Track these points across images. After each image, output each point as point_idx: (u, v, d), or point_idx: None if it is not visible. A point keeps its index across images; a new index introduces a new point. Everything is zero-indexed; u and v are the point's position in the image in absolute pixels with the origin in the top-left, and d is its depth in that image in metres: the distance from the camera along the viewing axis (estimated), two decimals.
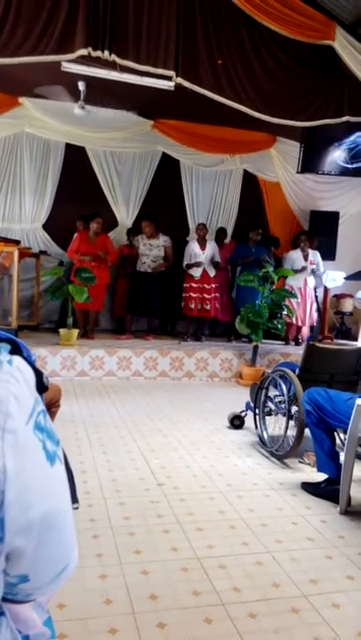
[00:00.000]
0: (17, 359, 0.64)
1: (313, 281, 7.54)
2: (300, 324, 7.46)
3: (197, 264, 7.07)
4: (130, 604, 1.96)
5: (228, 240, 8.03)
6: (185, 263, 7.15)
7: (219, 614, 1.94)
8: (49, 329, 7.32)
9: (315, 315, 7.65)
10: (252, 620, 1.92)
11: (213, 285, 7.19)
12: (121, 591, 2.04)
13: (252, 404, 4.17)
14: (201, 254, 7.09)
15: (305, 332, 7.59)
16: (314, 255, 7.48)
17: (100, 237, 6.89)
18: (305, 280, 7.38)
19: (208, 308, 7.12)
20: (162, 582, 2.12)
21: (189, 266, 7.11)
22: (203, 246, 7.13)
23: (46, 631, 0.77)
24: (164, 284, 7.12)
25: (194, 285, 7.10)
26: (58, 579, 0.68)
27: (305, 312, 7.43)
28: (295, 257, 7.37)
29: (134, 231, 7.54)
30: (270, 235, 8.20)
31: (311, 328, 7.89)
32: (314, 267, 7.46)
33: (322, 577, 2.23)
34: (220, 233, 7.88)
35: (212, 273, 7.18)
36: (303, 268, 7.29)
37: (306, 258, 7.38)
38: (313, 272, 7.47)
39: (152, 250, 6.95)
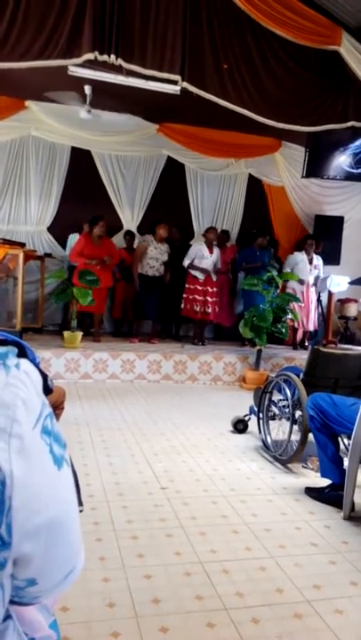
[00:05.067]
0: (24, 363, 0.64)
1: (314, 286, 7.54)
2: (301, 327, 7.45)
3: (204, 270, 7.06)
4: (133, 607, 1.96)
5: (229, 243, 8.02)
6: (187, 262, 7.12)
7: (222, 619, 1.93)
8: (53, 331, 7.34)
9: (315, 319, 7.64)
10: (255, 625, 1.91)
11: (216, 289, 7.20)
12: (124, 595, 2.03)
13: (255, 409, 4.16)
14: (208, 257, 7.09)
15: (303, 335, 7.59)
16: (318, 260, 7.48)
17: (104, 240, 6.88)
18: (307, 283, 7.37)
19: (209, 311, 7.11)
20: (165, 586, 2.11)
21: (193, 267, 7.09)
22: (210, 250, 7.14)
23: (52, 634, 0.77)
24: (168, 287, 7.14)
25: (198, 288, 7.09)
26: (65, 581, 0.68)
27: (308, 316, 7.42)
28: (299, 259, 7.36)
29: (129, 236, 7.55)
30: (275, 238, 8.21)
31: (314, 332, 7.89)
32: (318, 272, 7.45)
33: (325, 583, 2.22)
34: (223, 236, 7.87)
35: (214, 277, 7.19)
36: (302, 282, 7.27)
37: (311, 262, 7.38)
38: (316, 281, 7.45)
39: (163, 254, 6.93)
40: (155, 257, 6.89)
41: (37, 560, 0.62)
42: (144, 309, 6.93)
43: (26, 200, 7.62)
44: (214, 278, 7.18)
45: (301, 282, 7.25)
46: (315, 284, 7.49)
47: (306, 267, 7.33)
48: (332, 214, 8.30)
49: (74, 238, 7.23)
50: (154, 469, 3.44)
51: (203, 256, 7.09)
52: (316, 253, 7.55)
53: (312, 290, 7.49)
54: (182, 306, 7.19)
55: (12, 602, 0.67)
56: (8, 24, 4.85)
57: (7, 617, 0.67)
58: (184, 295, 7.19)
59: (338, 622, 1.96)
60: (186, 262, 7.15)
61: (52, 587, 0.67)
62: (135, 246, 7.32)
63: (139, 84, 5.58)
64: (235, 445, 4.08)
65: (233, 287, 7.91)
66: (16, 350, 0.65)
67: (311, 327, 7.55)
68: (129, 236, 7.63)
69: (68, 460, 0.67)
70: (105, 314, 7.36)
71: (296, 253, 7.48)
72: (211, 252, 7.12)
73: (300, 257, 7.39)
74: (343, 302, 8.12)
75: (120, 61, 5.16)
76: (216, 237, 7.25)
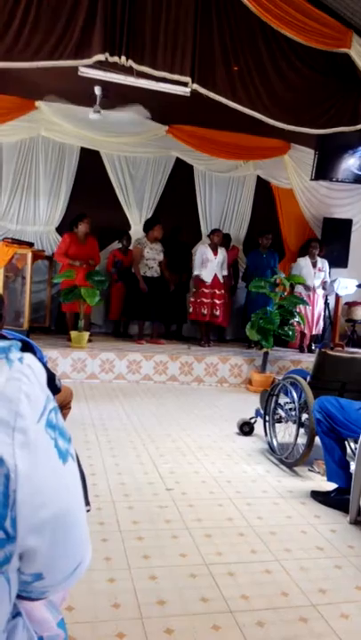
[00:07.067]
0: (28, 356, 0.64)
1: (322, 289, 7.51)
2: (306, 331, 7.42)
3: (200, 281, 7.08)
4: (138, 608, 1.96)
5: (231, 245, 7.99)
6: (197, 271, 7.12)
7: (227, 621, 1.93)
8: (60, 331, 7.34)
9: (321, 323, 7.62)
10: (260, 628, 1.91)
11: (223, 291, 7.20)
12: (129, 595, 2.04)
13: (261, 411, 4.15)
14: (213, 259, 7.09)
15: (310, 339, 7.57)
16: (322, 263, 7.46)
17: (89, 239, 6.85)
18: (313, 287, 7.35)
19: (218, 313, 7.12)
20: (170, 588, 2.11)
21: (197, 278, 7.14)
22: (215, 252, 7.14)
23: (60, 633, 0.78)
24: (165, 288, 7.16)
25: (206, 291, 7.09)
26: (72, 576, 0.68)
27: (312, 319, 7.40)
28: (303, 264, 7.36)
29: (126, 236, 7.58)
30: (282, 241, 8.20)
31: (319, 336, 7.86)
32: (323, 274, 7.43)
33: (331, 587, 2.21)
34: (224, 239, 7.79)
35: (221, 278, 7.19)
36: (308, 288, 7.24)
37: (314, 265, 7.37)
38: (323, 285, 7.43)
39: (158, 254, 6.99)
40: (152, 257, 6.93)
41: (43, 554, 0.62)
42: (144, 310, 6.93)
43: (35, 200, 7.64)
44: (222, 279, 7.18)
45: (307, 287, 7.24)
46: (323, 288, 7.46)
47: (310, 271, 7.32)
48: (341, 217, 8.27)
49: None
50: (159, 470, 3.44)
51: (207, 259, 7.09)
52: (321, 256, 7.53)
53: (319, 293, 7.47)
54: (190, 310, 7.21)
55: (20, 597, 0.67)
56: (20, 24, 4.87)
57: (17, 614, 0.68)
58: (192, 299, 7.19)
59: (343, 627, 1.95)
60: (196, 271, 7.14)
61: (59, 581, 0.68)
62: (130, 248, 7.32)
63: (149, 86, 5.59)
64: (240, 448, 4.07)
65: (233, 288, 7.91)
66: (19, 344, 0.65)
67: (315, 330, 7.52)
68: (125, 237, 7.60)
69: (73, 454, 0.67)
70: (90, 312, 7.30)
71: (300, 259, 7.49)
72: (215, 254, 7.12)
73: (305, 262, 7.38)
74: (351, 305, 8.09)
75: (130, 63, 5.16)
76: (221, 239, 7.25)
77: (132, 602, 2.00)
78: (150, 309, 6.93)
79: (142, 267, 6.95)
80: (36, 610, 0.74)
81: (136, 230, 7.83)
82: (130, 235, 7.66)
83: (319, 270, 7.38)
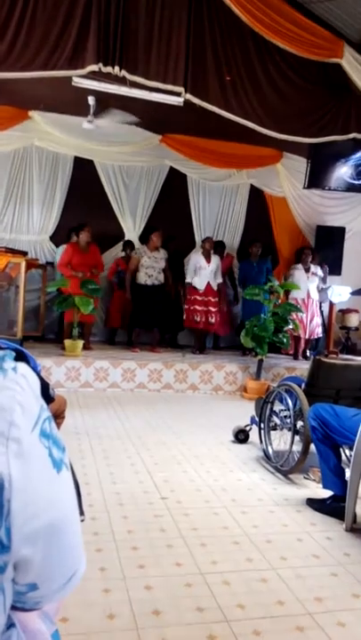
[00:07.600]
0: (21, 366, 0.64)
1: (317, 294, 7.54)
2: (300, 332, 7.43)
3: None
4: (133, 619, 1.94)
5: (225, 253, 8.02)
6: (190, 278, 7.16)
7: (223, 631, 1.91)
8: (53, 340, 7.34)
9: (318, 329, 7.63)
10: (256, 637, 1.89)
11: (217, 299, 7.21)
12: (124, 606, 2.02)
13: (257, 419, 4.15)
14: (207, 267, 7.11)
15: (303, 345, 7.57)
16: (316, 269, 7.52)
17: (91, 247, 6.87)
18: (308, 292, 7.38)
19: (213, 321, 7.13)
20: (165, 597, 2.10)
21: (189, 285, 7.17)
22: (208, 259, 7.16)
23: None
24: (166, 296, 7.16)
25: (198, 298, 7.10)
26: (66, 586, 0.68)
27: (307, 324, 7.41)
28: (296, 271, 7.45)
29: (130, 244, 7.60)
30: (276, 249, 8.24)
31: (314, 343, 7.88)
32: (317, 279, 7.47)
33: (327, 595, 2.20)
34: (219, 247, 7.82)
35: (215, 286, 7.21)
36: (300, 292, 7.29)
37: (307, 270, 7.44)
38: (319, 289, 7.47)
39: (159, 262, 6.96)
40: (150, 265, 6.92)
41: (37, 564, 0.62)
42: (145, 319, 6.92)
43: (28, 209, 7.65)
44: (215, 287, 7.20)
45: (299, 292, 7.29)
46: (319, 291, 7.51)
47: (303, 277, 7.38)
48: (334, 225, 8.33)
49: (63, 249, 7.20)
50: (154, 479, 3.42)
51: (200, 267, 7.11)
52: (315, 264, 7.58)
53: (313, 297, 7.49)
54: (184, 317, 7.22)
55: (14, 607, 0.67)
56: (13, 34, 4.89)
57: (11, 625, 0.67)
58: (185, 306, 7.21)
59: (340, 635, 1.94)
60: (189, 278, 7.17)
61: (53, 591, 0.67)
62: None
63: (142, 96, 5.62)
64: (236, 455, 4.06)
65: (234, 296, 7.96)
66: (13, 354, 0.65)
67: (308, 335, 7.52)
68: (129, 246, 7.63)
69: (67, 463, 0.67)
70: (96, 321, 7.31)
71: (293, 265, 7.57)
72: (208, 262, 7.14)
73: (297, 268, 7.46)
74: (345, 313, 8.13)
75: (124, 73, 5.20)
76: (212, 246, 7.28)
77: (127, 612, 1.98)
78: (150, 317, 6.91)
79: (142, 276, 6.92)
80: (29, 621, 0.73)
81: (130, 239, 7.86)
82: (134, 244, 7.69)
83: (312, 274, 7.43)
